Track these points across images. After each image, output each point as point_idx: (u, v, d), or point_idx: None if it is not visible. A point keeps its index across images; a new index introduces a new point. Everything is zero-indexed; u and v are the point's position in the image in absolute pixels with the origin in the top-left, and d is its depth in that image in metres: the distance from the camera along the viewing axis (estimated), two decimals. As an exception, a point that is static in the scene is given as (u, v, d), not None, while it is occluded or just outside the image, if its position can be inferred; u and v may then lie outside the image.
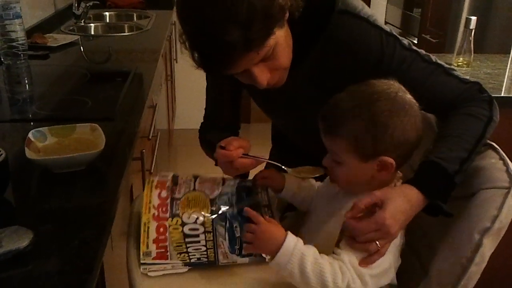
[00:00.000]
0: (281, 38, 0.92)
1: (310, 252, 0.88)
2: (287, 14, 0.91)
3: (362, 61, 1.01)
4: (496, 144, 0.99)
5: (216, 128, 1.28)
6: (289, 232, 0.90)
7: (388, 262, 0.90)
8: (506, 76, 1.98)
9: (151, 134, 1.79)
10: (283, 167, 1.07)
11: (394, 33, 1.02)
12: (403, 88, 0.93)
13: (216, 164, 1.14)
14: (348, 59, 1.01)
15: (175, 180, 1.08)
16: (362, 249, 0.88)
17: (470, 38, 2.00)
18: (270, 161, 1.10)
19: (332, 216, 0.97)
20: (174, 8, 3.24)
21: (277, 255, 0.87)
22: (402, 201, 0.88)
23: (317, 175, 1.06)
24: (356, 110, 0.89)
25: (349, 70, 1.01)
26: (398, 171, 0.98)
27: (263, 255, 0.95)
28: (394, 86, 0.92)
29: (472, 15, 2.02)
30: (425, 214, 0.92)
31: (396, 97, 0.90)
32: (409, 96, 0.92)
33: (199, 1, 0.86)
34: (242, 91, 1.25)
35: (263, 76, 0.94)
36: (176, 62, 3.35)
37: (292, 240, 0.88)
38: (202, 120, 1.34)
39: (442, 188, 0.92)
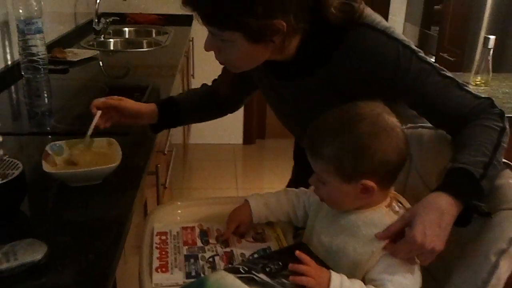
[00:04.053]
0: (242, 46, 0.98)
1: (357, 285, 0.87)
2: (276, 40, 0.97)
3: (377, 73, 1.02)
4: (512, 164, 0.98)
5: (208, 93, 1.34)
6: (331, 271, 0.89)
7: (419, 282, 0.90)
8: (524, 96, 1.96)
9: (166, 149, 1.80)
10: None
11: (412, 45, 1.03)
12: (387, 109, 0.92)
13: None
14: (364, 70, 1.02)
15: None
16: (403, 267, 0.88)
17: (489, 57, 1.99)
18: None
19: (345, 248, 0.93)
20: (192, 25, 3.29)
21: None
22: (431, 213, 0.87)
23: None
24: (337, 132, 0.89)
25: (364, 81, 1.03)
26: (394, 192, 0.96)
27: None
28: (378, 107, 0.91)
29: (490, 34, 2.01)
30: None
31: (378, 119, 0.89)
32: (392, 119, 0.91)
33: None
34: (250, 78, 1.25)
35: (208, 43, 1.03)
36: (193, 77, 3.38)
37: (337, 277, 0.87)
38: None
39: (471, 190, 0.90)
